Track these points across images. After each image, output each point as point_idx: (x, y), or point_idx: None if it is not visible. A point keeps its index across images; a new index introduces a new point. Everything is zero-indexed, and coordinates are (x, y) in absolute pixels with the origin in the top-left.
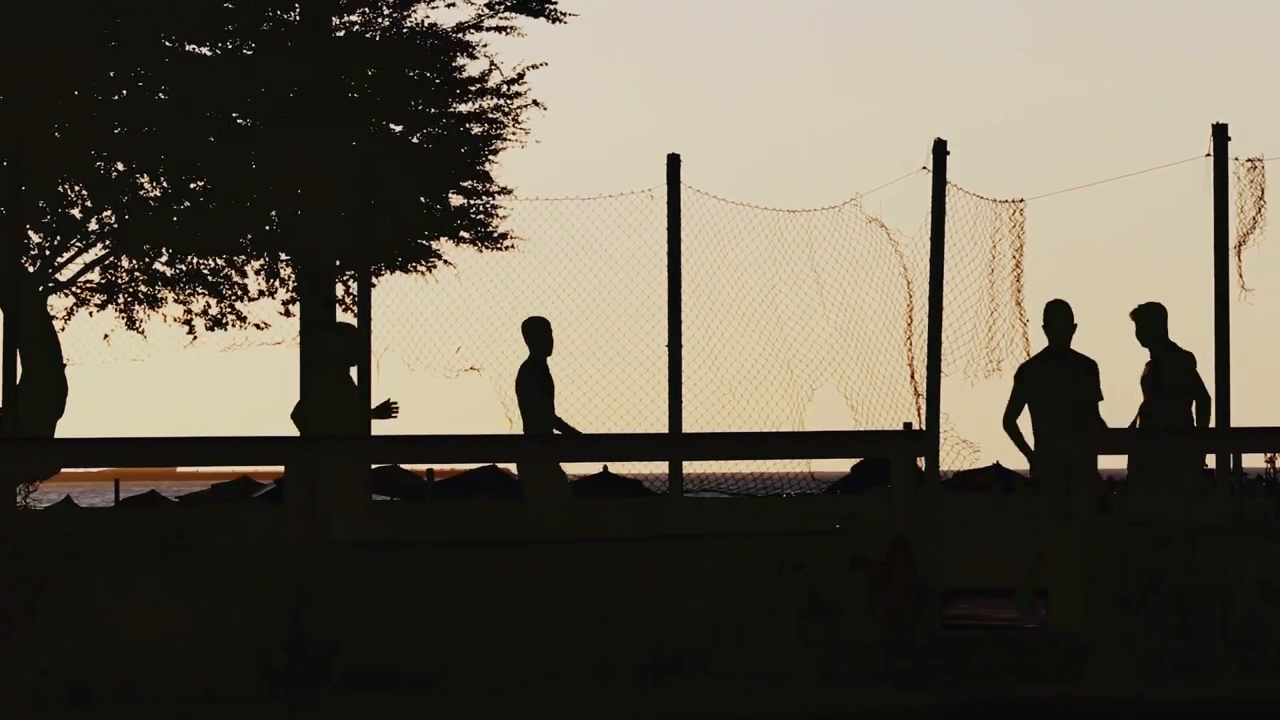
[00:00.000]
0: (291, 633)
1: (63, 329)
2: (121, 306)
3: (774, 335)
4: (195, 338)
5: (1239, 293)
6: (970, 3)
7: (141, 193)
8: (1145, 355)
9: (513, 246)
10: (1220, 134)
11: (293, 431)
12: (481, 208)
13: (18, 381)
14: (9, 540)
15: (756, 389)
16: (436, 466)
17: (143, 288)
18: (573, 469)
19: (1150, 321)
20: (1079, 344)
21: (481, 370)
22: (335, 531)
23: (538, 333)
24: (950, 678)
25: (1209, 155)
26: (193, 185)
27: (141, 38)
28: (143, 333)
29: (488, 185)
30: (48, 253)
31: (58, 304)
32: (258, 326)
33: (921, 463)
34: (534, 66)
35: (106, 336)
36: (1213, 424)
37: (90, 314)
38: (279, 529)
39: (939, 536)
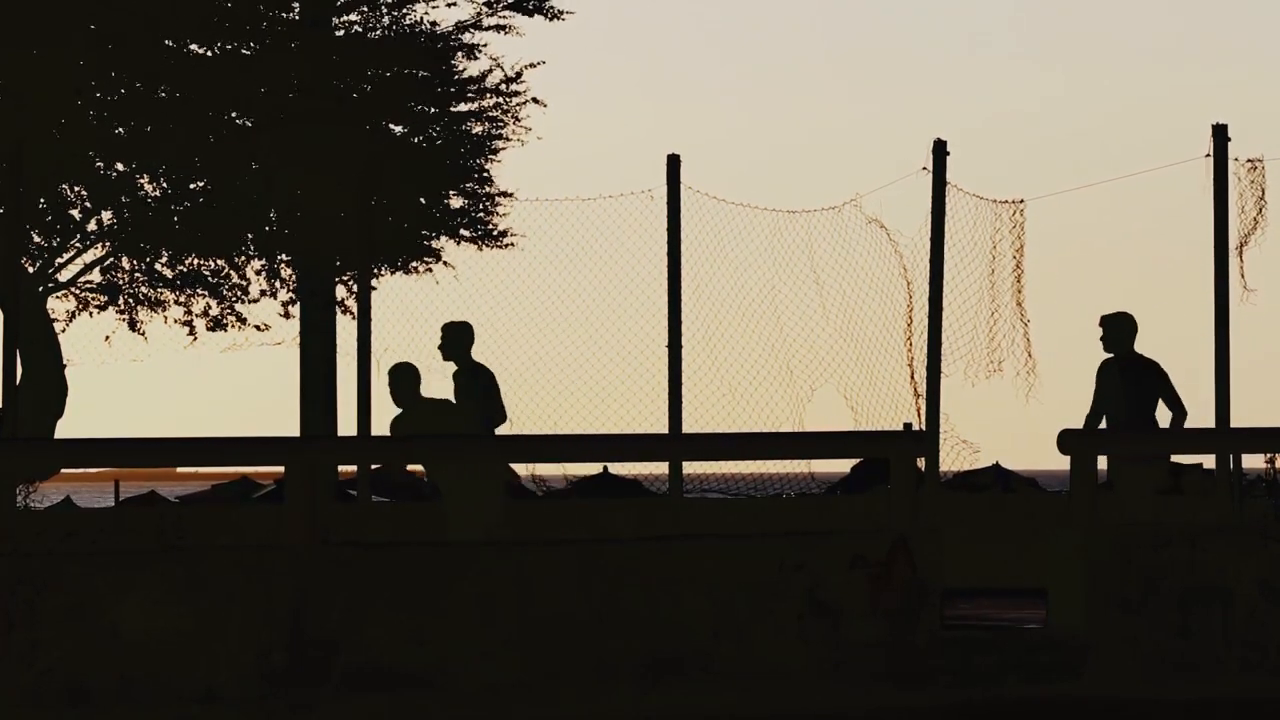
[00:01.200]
0: (291, 633)
1: (63, 330)
2: (122, 308)
3: (774, 335)
4: (196, 338)
5: (1241, 293)
6: (970, 3)
7: (141, 193)
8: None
9: (512, 244)
10: (1220, 134)
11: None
12: (481, 207)
13: (18, 381)
14: (9, 540)
15: (756, 389)
16: None
17: (143, 289)
18: (573, 469)
19: None
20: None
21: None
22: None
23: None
24: (950, 678)
25: (1209, 155)
26: (192, 185)
27: (141, 38)
28: (144, 335)
29: (487, 186)
30: (48, 253)
31: (59, 306)
32: (258, 327)
33: (921, 463)
34: (532, 65)
35: (108, 338)
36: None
37: (90, 314)
38: (279, 529)
39: (939, 536)
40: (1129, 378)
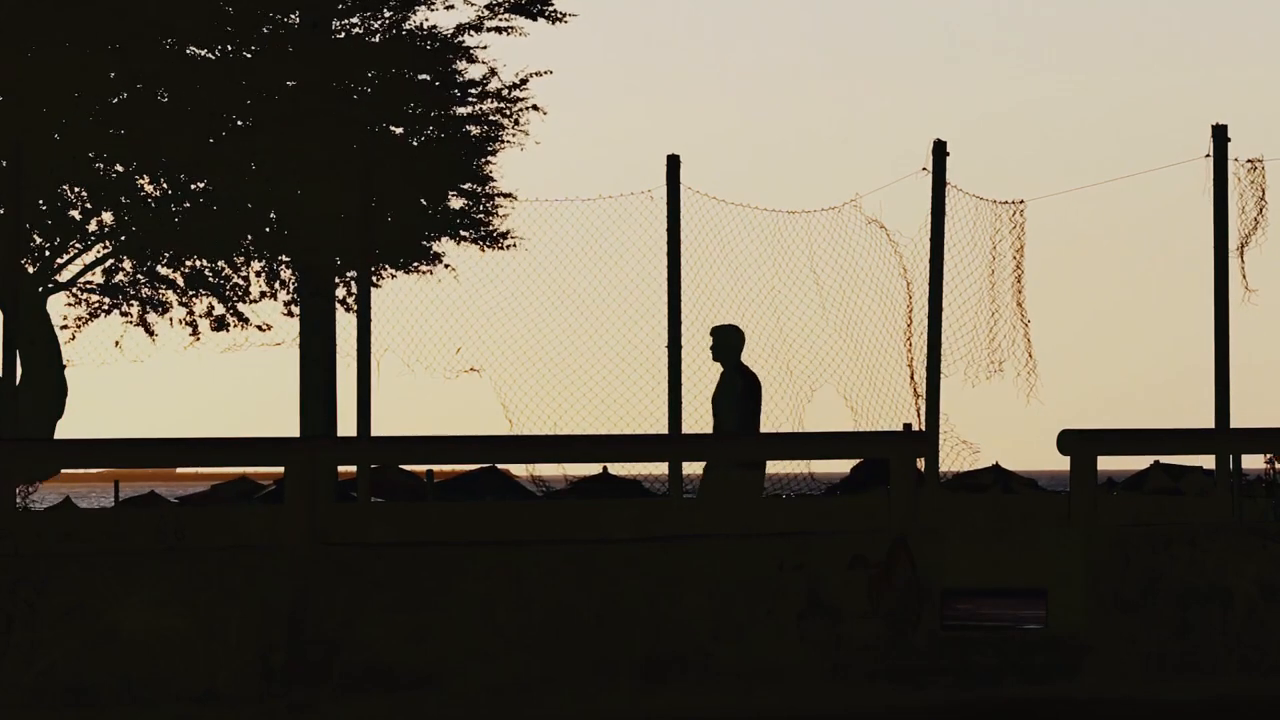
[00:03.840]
0: (291, 633)
1: (72, 337)
2: (126, 311)
3: (774, 335)
4: (199, 338)
5: (1242, 294)
6: (970, 3)
7: (142, 194)
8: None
9: (513, 245)
10: (1220, 134)
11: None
12: (482, 209)
13: (18, 382)
14: (9, 540)
15: None
16: (436, 467)
17: (146, 290)
18: (573, 469)
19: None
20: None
21: (481, 371)
22: None
23: None
24: (950, 678)
25: (1209, 156)
26: (193, 187)
27: (142, 40)
28: (153, 334)
29: (487, 188)
30: (48, 253)
31: (69, 314)
32: (260, 328)
33: (921, 463)
34: (538, 74)
35: (118, 343)
36: None
37: (95, 316)
38: (279, 529)
39: (939, 536)
40: (748, 387)
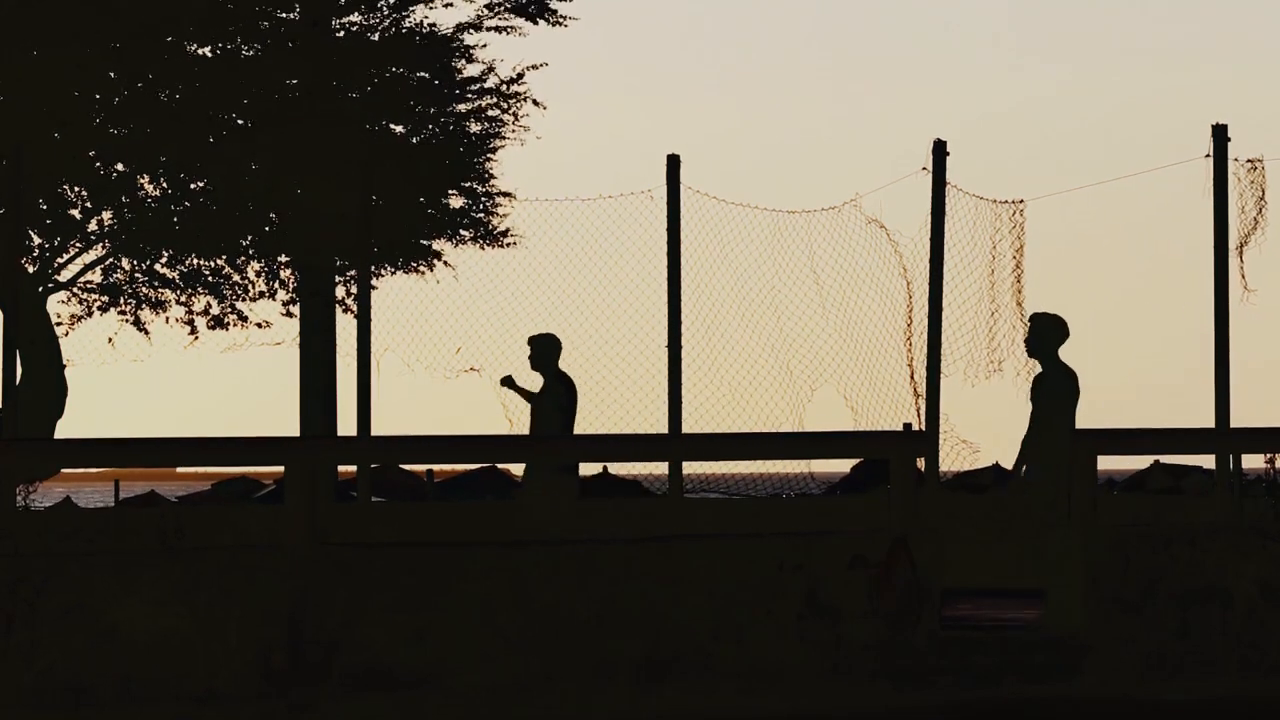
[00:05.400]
0: (291, 633)
1: (66, 334)
2: (123, 309)
3: (774, 335)
4: (197, 337)
5: (1241, 294)
6: (970, 2)
7: (141, 194)
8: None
9: (514, 244)
10: (1220, 134)
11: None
12: (482, 207)
13: (18, 382)
14: (9, 540)
15: (756, 389)
16: (436, 466)
17: (144, 289)
18: None
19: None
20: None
21: (481, 371)
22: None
23: None
24: (950, 678)
25: (1209, 156)
26: (193, 186)
27: (142, 39)
28: (148, 333)
29: (487, 186)
30: (48, 253)
31: (63, 309)
32: (259, 326)
33: (921, 463)
34: (534, 67)
35: (111, 340)
36: None
37: (92, 315)
38: (279, 529)
39: (939, 536)
40: (568, 393)
